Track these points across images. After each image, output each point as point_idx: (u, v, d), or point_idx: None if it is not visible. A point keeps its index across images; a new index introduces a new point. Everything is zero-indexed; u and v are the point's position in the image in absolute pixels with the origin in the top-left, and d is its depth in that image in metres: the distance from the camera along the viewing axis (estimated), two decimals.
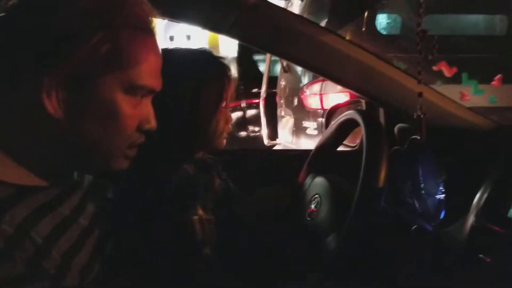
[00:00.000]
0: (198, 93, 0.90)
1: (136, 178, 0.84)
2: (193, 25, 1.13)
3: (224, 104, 0.95)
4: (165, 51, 0.97)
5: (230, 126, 1.00)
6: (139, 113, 0.64)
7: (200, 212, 0.86)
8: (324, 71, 1.12)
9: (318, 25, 1.10)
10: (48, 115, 0.57)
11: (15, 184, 0.57)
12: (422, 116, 0.84)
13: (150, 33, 0.64)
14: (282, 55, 1.21)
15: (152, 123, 0.68)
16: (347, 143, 1.69)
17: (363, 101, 1.20)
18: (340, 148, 1.33)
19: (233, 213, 1.03)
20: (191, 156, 0.95)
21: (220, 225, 0.92)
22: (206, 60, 0.96)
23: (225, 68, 0.96)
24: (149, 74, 0.63)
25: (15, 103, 0.58)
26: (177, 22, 1.17)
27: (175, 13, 1.08)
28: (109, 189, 0.82)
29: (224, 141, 0.99)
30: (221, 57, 0.98)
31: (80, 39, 0.56)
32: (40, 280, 0.55)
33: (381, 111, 1.16)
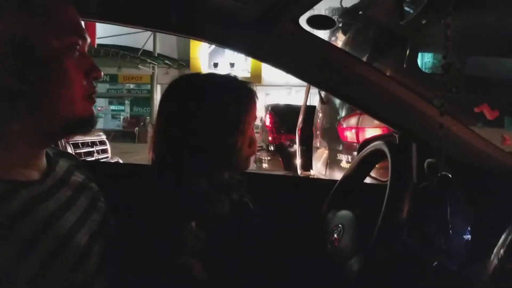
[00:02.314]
0: (223, 114, 0.96)
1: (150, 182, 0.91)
2: (232, 50, 1.19)
3: (247, 127, 1.00)
4: (194, 76, 1.06)
5: (254, 149, 1.04)
6: (81, 64, 0.71)
7: (193, 226, 0.88)
8: (360, 103, 1.14)
9: (358, 58, 1.13)
10: (5, 89, 0.63)
11: (5, 180, 0.62)
12: (442, 147, 0.85)
13: None
14: (321, 85, 1.24)
15: (97, 72, 0.74)
16: (378, 177, 1.69)
17: (396, 135, 1.21)
18: (371, 181, 1.34)
19: (250, 234, 1.05)
20: (207, 173, 0.99)
21: (231, 244, 0.94)
22: (232, 84, 1.03)
23: (250, 92, 1.02)
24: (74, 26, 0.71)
25: None
26: (217, 46, 1.24)
27: (213, 38, 1.15)
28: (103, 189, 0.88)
29: (249, 163, 1.04)
30: (247, 82, 1.03)
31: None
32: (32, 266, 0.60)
33: (414, 146, 1.16)
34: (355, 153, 3.04)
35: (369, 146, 1.15)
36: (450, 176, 0.95)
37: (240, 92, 1.01)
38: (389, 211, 0.88)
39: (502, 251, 0.92)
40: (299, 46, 1.09)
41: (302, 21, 1.06)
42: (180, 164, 0.94)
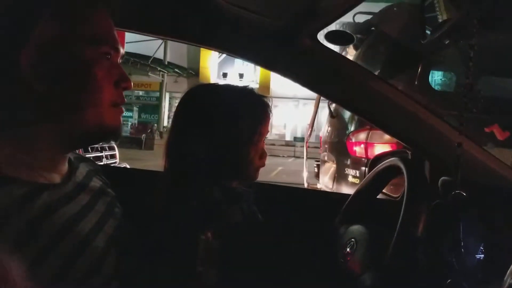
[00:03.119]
0: (238, 125, 0.98)
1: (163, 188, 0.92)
2: (249, 61, 1.21)
3: (259, 139, 1.01)
4: (212, 86, 1.08)
5: (264, 161, 1.05)
6: (112, 73, 0.72)
7: (209, 235, 0.89)
8: (372, 117, 1.15)
9: (370, 72, 1.14)
10: (34, 93, 0.64)
11: (28, 181, 0.63)
12: (458, 165, 0.85)
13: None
14: (337, 100, 1.26)
15: (127, 82, 0.75)
16: (389, 193, 1.69)
17: (409, 152, 1.21)
18: (382, 197, 1.34)
19: (260, 244, 1.05)
20: (221, 183, 1.00)
21: (243, 254, 0.95)
22: (247, 96, 1.04)
23: (264, 105, 1.03)
24: (108, 36, 0.72)
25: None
26: (233, 57, 1.25)
27: (232, 49, 1.16)
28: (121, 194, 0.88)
29: (257, 174, 1.05)
30: (262, 96, 1.05)
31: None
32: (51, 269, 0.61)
33: (427, 162, 1.17)
34: (363, 168, 3.06)
35: (384, 162, 1.16)
36: (464, 194, 0.95)
37: (256, 105, 1.02)
38: (404, 228, 0.88)
39: None
40: (317, 60, 1.10)
41: (320, 35, 1.08)
42: (194, 173, 0.95)
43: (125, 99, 0.76)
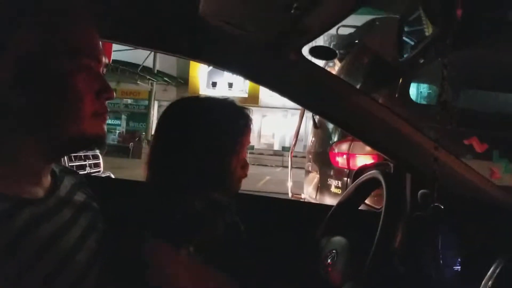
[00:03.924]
0: (219, 137, 0.98)
1: (144, 199, 0.92)
2: (236, 74, 1.21)
3: (241, 149, 1.02)
4: (193, 99, 1.08)
5: (246, 171, 1.06)
6: (93, 84, 0.70)
7: (191, 249, 0.88)
8: (355, 130, 1.16)
9: (353, 86, 1.15)
10: (13, 107, 0.63)
11: (11, 196, 0.62)
12: (435, 179, 0.87)
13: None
14: (320, 112, 1.27)
15: (109, 93, 0.73)
16: (372, 205, 1.70)
17: (391, 164, 1.22)
18: (365, 208, 1.34)
19: (242, 256, 1.05)
20: (202, 194, 0.99)
21: (221, 266, 0.94)
22: (227, 108, 1.05)
23: (245, 116, 1.04)
24: (89, 47, 0.71)
25: None
26: (221, 70, 1.26)
27: (218, 62, 1.17)
28: (104, 208, 0.87)
29: (240, 185, 1.06)
30: (242, 107, 1.06)
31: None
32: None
33: (408, 175, 1.18)
34: (346, 178, 3.07)
35: (365, 174, 1.17)
36: (442, 207, 0.96)
37: (237, 116, 1.04)
38: (382, 239, 0.89)
39: (490, 283, 0.93)
40: (301, 74, 1.11)
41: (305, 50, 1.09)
42: (176, 184, 0.95)
43: (108, 108, 0.74)
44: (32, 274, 0.60)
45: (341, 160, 3.13)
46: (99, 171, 4.42)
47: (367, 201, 1.30)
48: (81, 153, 4.01)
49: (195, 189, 0.96)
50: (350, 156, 2.99)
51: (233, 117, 1.02)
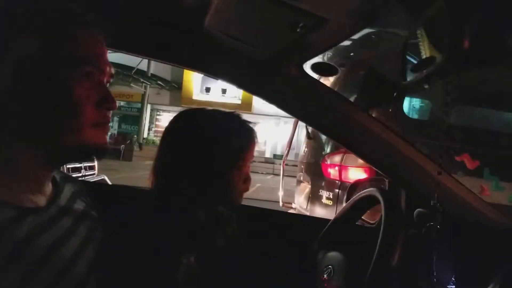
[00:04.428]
0: (223, 151, 0.97)
1: (147, 210, 0.90)
2: (234, 85, 1.21)
3: (244, 164, 1.01)
4: (200, 111, 1.07)
5: (248, 185, 1.05)
6: (95, 93, 0.69)
7: (192, 259, 0.88)
8: (351, 145, 1.17)
9: (351, 102, 1.16)
10: (15, 115, 0.62)
11: (14, 205, 0.61)
12: (438, 205, 0.87)
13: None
14: (314, 124, 1.27)
15: (111, 103, 0.72)
16: (366, 219, 1.70)
17: (386, 180, 1.23)
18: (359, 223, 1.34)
19: (241, 269, 1.04)
20: (204, 207, 0.99)
21: (220, 277, 0.93)
22: (233, 122, 1.04)
23: (250, 131, 1.04)
24: (92, 56, 0.70)
25: None
26: (214, 78, 1.26)
27: (217, 73, 1.16)
28: (104, 216, 0.86)
29: (241, 198, 1.05)
30: (248, 122, 1.05)
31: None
32: None
33: (403, 192, 1.18)
34: (337, 190, 3.07)
35: (362, 192, 1.17)
36: (438, 227, 0.96)
37: (242, 131, 1.03)
38: (381, 257, 0.89)
39: None
40: (300, 89, 1.12)
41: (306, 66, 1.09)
42: (179, 195, 0.94)
43: (110, 119, 0.73)
44: (33, 282, 0.59)
45: (333, 172, 3.13)
46: (93, 174, 4.41)
47: (364, 218, 1.31)
48: None
49: (197, 200, 0.95)
50: (342, 168, 2.99)
51: (238, 132, 1.02)
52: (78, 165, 4.09)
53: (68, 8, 0.69)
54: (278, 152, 20.21)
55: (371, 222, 1.55)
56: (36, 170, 0.68)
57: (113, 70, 0.75)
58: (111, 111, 0.73)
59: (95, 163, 4.53)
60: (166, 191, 0.96)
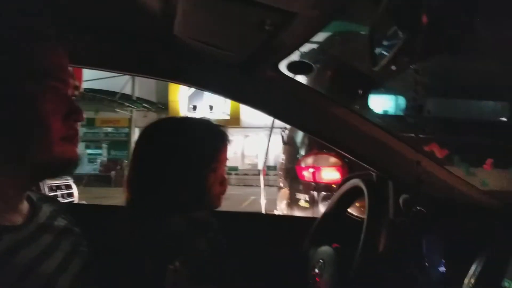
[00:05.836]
0: (195, 153, 0.95)
1: (126, 221, 0.89)
2: (214, 94, 1.18)
3: (219, 166, 0.99)
4: (169, 119, 1.07)
5: (225, 188, 1.02)
6: (61, 107, 0.66)
7: (177, 264, 0.85)
8: (335, 142, 1.13)
9: (331, 98, 1.13)
10: None
11: None
12: (420, 189, 0.85)
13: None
14: (296, 125, 1.24)
15: (78, 115, 0.68)
16: (358, 215, 1.67)
17: (374, 173, 1.20)
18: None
19: (228, 272, 1.02)
20: (182, 213, 0.97)
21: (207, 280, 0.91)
22: (204, 126, 1.04)
23: (221, 134, 1.02)
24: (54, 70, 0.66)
25: None
26: (201, 90, 1.22)
27: (196, 82, 1.13)
28: (83, 232, 0.82)
29: (220, 201, 1.02)
30: (218, 125, 1.04)
31: None
32: None
33: (390, 183, 1.16)
34: (313, 192, 3.03)
35: (346, 184, 1.14)
36: (424, 211, 0.94)
37: (213, 134, 1.01)
38: (366, 246, 0.86)
39: (472, 280, 0.91)
40: (279, 90, 1.08)
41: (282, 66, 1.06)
42: (156, 204, 0.91)
43: (78, 131, 0.70)
44: None
45: (307, 174, 3.08)
46: (72, 201, 4.13)
47: (353, 212, 1.27)
48: (52, 184, 3.77)
49: (174, 208, 0.93)
50: (315, 169, 2.96)
51: (208, 135, 1.00)
52: (54, 193, 3.78)
53: (27, 25, 0.65)
54: (271, 163, 20.15)
55: (363, 216, 1.52)
56: (7, 189, 0.64)
57: (76, 83, 0.71)
58: (79, 123, 0.69)
59: (74, 190, 4.17)
60: (142, 202, 0.93)
